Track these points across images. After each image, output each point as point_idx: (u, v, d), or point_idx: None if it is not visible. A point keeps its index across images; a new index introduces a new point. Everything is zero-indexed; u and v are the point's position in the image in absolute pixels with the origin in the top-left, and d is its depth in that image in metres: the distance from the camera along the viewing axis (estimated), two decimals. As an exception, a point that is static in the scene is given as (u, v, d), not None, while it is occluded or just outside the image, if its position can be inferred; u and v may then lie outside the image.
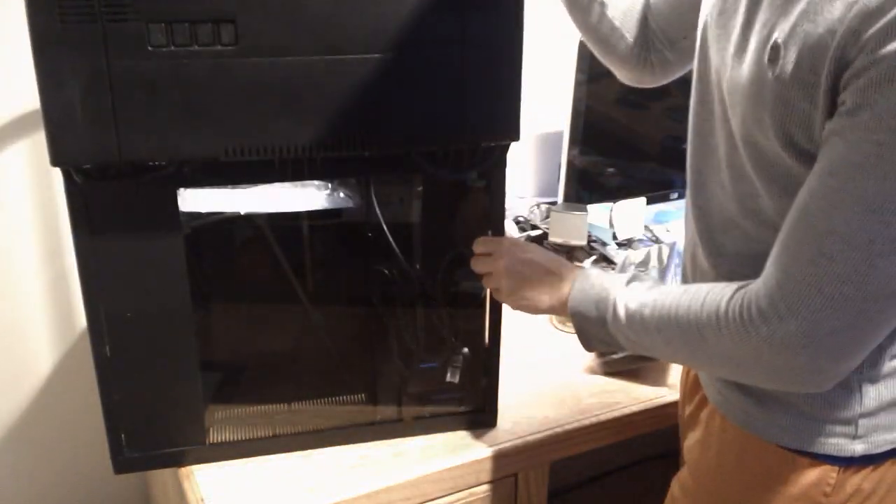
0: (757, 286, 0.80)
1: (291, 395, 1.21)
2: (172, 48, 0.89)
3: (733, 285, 0.84)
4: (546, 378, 1.35)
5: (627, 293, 0.93)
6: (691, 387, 1.06)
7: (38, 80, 0.88)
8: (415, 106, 0.97)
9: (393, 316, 1.17)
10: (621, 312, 0.92)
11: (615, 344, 0.96)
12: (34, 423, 1.67)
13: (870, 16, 0.68)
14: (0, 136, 1.46)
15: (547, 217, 1.73)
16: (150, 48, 0.88)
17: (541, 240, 1.73)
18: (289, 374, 1.23)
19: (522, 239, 1.03)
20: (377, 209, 1.10)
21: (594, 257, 1.75)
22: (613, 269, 1.67)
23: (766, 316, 0.78)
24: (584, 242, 1.69)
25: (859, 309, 0.74)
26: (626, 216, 1.81)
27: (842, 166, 0.72)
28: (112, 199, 0.98)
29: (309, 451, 1.16)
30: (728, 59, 0.86)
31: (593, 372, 1.37)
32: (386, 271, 1.14)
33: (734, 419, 0.94)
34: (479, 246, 1.08)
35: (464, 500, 1.19)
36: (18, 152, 1.49)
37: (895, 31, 0.67)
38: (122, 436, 1.10)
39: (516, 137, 1.03)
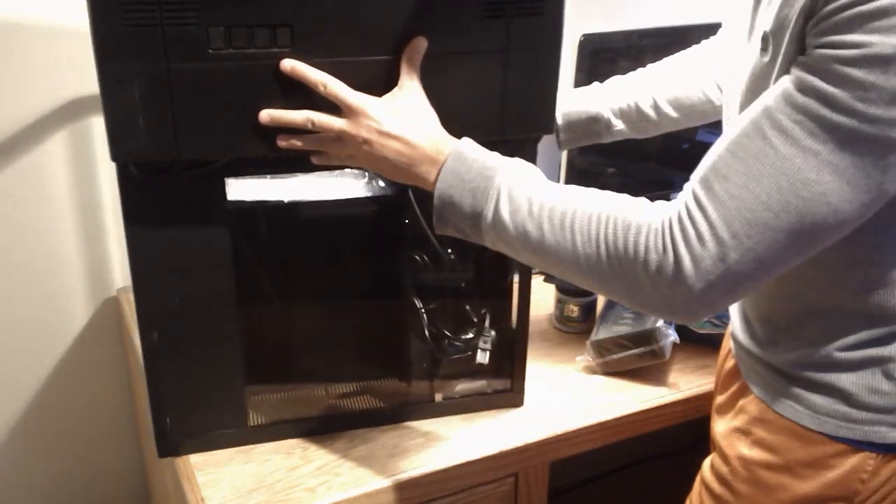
0: (676, 207, 0.80)
1: (327, 378, 1.26)
2: (231, 51, 0.92)
3: (643, 203, 0.84)
4: (546, 378, 1.36)
5: (514, 181, 0.88)
6: (727, 375, 1.09)
7: (100, 80, 0.92)
8: (460, 103, 1.01)
9: (425, 300, 1.21)
10: (504, 206, 0.86)
11: (476, 239, 0.91)
12: (35, 422, 1.68)
13: None
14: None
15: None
16: (209, 51, 0.91)
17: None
18: (325, 359, 1.27)
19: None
20: (412, 197, 1.13)
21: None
22: None
23: (688, 239, 0.78)
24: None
25: (773, 239, 0.76)
26: None
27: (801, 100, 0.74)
28: (164, 191, 1.01)
29: (309, 452, 1.18)
30: (738, 66, 0.90)
31: (593, 372, 1.39)
32: (418, 258, 1.18)
33: (777, 407, 0.96)
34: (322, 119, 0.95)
35: (464, 500, 1.21)
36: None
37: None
38: (168, 420, 1.14)
39: (550, 131, 1.07)
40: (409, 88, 0.96)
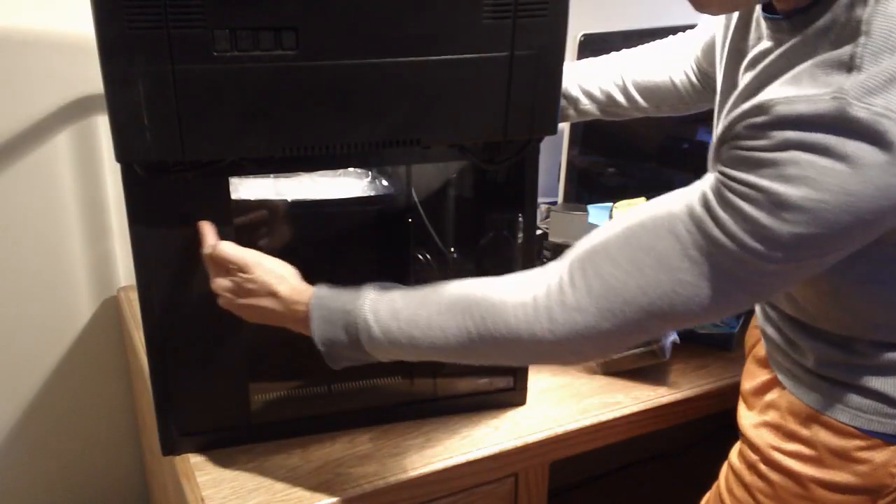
0: (554, 278, 0.87)
1: (329, 377, 1.26)
2: (235, 53, 0.92)
3: (504, 281, 0.92)
4: (546, 378, 1.36)
5: (373, 306, 0.94)
6: (756, 364, 1.10)
7: (105, 81, 0.92)
8: (464, 105, 1.01)
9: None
10: (376, 332, 0.93)
11: (373, 359, 0.97)
12: (36, 422, 1.68)
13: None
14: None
15: (547, 217, 1.73)
16: (214, 53, 0.91)
17: (541, 240, 1.75)
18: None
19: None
20: (415, 196, 1.14)
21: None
22: None
23: (566, 307, 0.85)
24: (584, 242, 1.71)
25: (640, 320, 0.83)
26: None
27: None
28: (168, 190, 1.02)
29: (309, 452, 1.19)
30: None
31: (593, 372, 1.38)
32: (421, 256, 1.19)
33: (809, 401, 0.98)
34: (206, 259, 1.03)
35: (464, 500, 1.21)
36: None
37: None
38: (171, 419, 1.15)
39: (554, 131, 1.08)
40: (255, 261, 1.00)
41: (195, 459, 1.17)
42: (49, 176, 1.51)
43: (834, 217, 0.73)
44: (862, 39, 0.73)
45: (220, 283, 1.01)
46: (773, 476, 1.01)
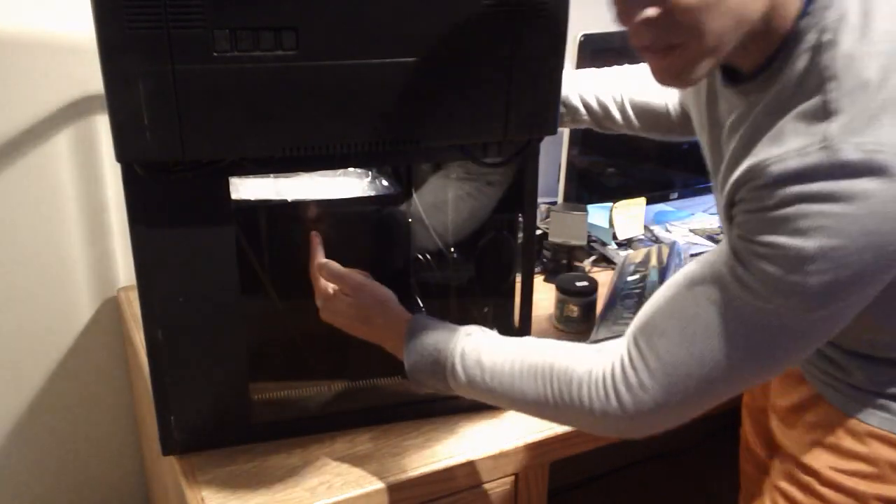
0: (618, 356, 0.89)
1: (329, 377, 1.26)
2: (236, 53, 0.92)
3: (585, 353, 0.93)
4: None
5: (462, 351, 0.98)
6: (788, 382, 1.09)
7: (105, 82, 0.92)
8: (464, 105, 1.01)
9: (428, 299, 1.21)
10: (461, 376, 0.98)
11: (456, 394, 1.02)
12: (36, 422, 1.68)
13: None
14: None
15: (547, 217, 1.74)
16: (214, 53, 0.91)
17: (541, 240, 1.76)
18: (327, 358, 1.28)
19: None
20: (415, 196, 1.14)
21: (594, 257, 1.79)
22: (613, 269, 1.69)
23: (630, 387, 0.87)
24: (584, 242, 1.72)
25: (705, 390, 0.85)
26: (626, 216, 1.84)
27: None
28: (169, 190, 1.02)
29: (309, 452, 1.19)
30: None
31: None
32: (421, 257, 1.19)
33: (864, 418, 0.97)
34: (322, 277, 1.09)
35: (464, 500, 1.21)
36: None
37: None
38: (172, 418, 1.15)
39: (553, 131, 1.08)
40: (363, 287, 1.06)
41: (195, 459, 1.16)
42: (49, 176, 1.51)
43: (857, 258, 0.73)
44: (832, 84, 0.74)
45: (328, 304, 1.07)
46: (833, 496, 0.99)
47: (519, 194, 1.15)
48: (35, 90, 1.45)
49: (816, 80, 0.75)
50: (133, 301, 1.55)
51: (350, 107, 0.97)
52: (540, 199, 1.95)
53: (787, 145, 0.74)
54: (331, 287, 1.06)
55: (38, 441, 1.70)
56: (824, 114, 0.72)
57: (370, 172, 1.21)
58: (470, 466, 1.19)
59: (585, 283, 1.52)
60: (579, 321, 1.52)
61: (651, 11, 0.77)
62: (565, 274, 1.60)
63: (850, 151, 0.70)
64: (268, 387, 1.22)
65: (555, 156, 1.73)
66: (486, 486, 1.22)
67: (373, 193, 1.18)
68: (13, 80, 1.43)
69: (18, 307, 1.58)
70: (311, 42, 0.93)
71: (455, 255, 1.18)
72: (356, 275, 1.07)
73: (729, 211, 0.83)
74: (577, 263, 1.75)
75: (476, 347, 0.98)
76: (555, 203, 1.79)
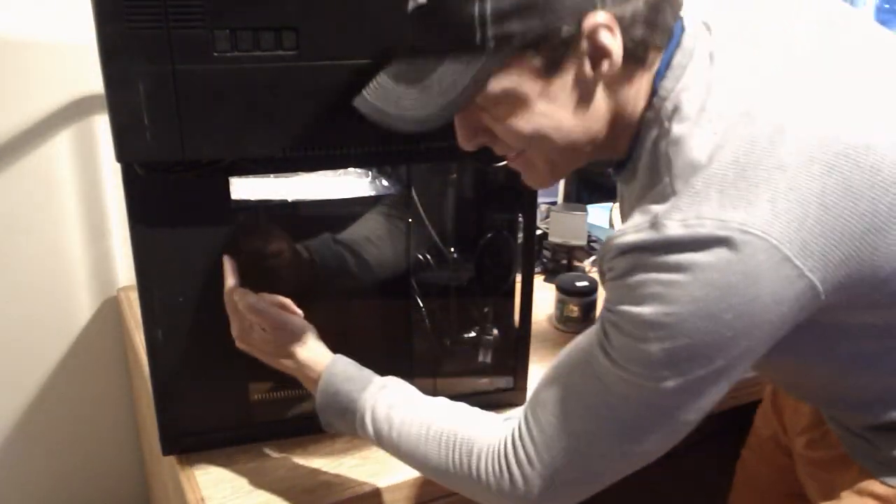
0: (511, 429, 0.89)
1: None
2: (236, 53, 0.92)
3: (491, 423, 0.93)
4: None
5: (373, 405, 0.99)
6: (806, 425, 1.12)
7: (105, 82, 0.92)
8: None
9: (428, 299, 1.21)
10: (369, 429, 0.99)
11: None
12: (36, 422, 1.69)
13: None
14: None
15: (547, 217, 1.75)
16: (214, 53, 0.92)
17: (541, 240, 1.76)
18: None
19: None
20: (415, 196, 1.14)
21: (594, 257, 1.79)
22: None
23: (520, 462, 0.87)
24: (583, 242, 1.73)
25: (592, 465, 0.85)
26: None
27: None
28: (168, 190, 1.02)
29: (309, 452, 1.19)
30: None
31: None
32: (421, 256, 1.19)
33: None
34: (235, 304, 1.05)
35: (464, 500, 1.20)
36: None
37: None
38: (172, 418, 1.15)
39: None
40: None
41: (195, 459, 1.17)
42: (49, 176, 1.52)
43: (692, 325, 0.74)
44: (668, 169, 0.77)
45: (244, 335, 1.05)
46: None
47: (519, 194, 1.15)
48: (35, 90, 1.46)
49: (658, 167, 0.79)
50: (133, 301, 1.55)
51: (350, 107, 0.97)
52: (540, 199, 1.96)
53: (630, 222, 0.78)
54: (247, 318, 1.03)
55: (38, 441, 1.70)
56: (663, 197, 0.76)
57: (370, 172, 1.21)
58: (470, 466, 1.18)
59: (585, 283, 1.52)
60: (579, 321, 1.52)
61: (483, 139, 0.86)
62: (565, 274, 1.60)
63: (675, 227, 0.73)
64: (268, 387, 1.22)
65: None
66: (486, 485, 1.22)
67: (373, 193, 1.18)
68: (13, 80, 1.43)
69: (19, 307, 1.58)
70: (311, 42, 0.94)
71: (455, 255, 1.18)
72: (274, 310, 1.03)
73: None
74: (577, 263, 1.75)
75: (388, 402, 0.98)
76: (555, 203, 1.80)
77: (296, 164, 1.06)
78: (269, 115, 0.96)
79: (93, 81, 1.46)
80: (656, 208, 0.75)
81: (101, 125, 1.52)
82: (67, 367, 1.67)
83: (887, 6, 2.13)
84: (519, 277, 1.21)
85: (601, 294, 1.54)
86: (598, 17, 0.75)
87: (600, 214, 1.84)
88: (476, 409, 0.98)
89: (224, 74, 0.93)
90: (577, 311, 1.51)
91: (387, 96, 0.84)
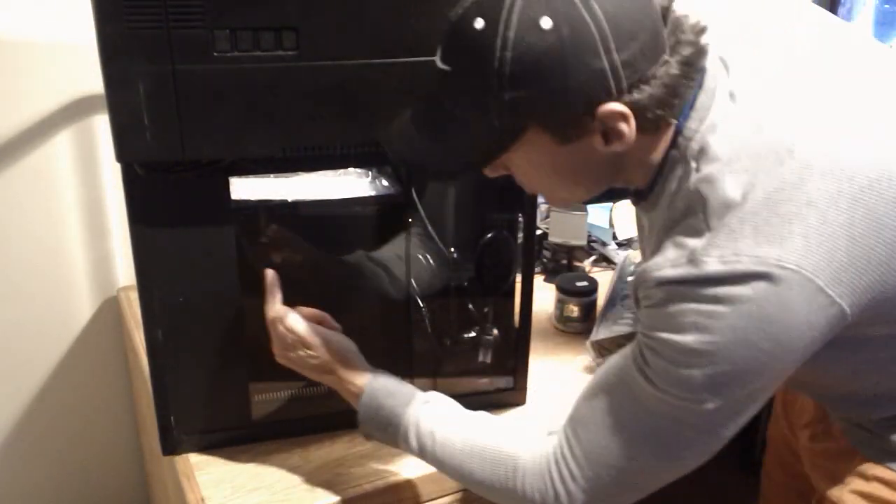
0: (553, 446, 0.92)
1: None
2: (236, 53, 0.92)
3: (533, 438, 0.96)
4: (546, 378, 1.36)
5: (416, 420, 1.00)
6: (811, 421, 1.13)
7: (106, 82, 0.92)
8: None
9: (428, 299, 1.21)
10: (413, 443, 1.00)
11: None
12: (36, 422, 1.68)
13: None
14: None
15: (547, 217, 1.75)
16: (214, 53, 0.92)
17: (541, 240, 1.76)
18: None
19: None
20: (415, 196, 1.14)
21: (594, 257, 1.79)
22: (613, 269, 1.69)
23: (563, 478, 0.90)
24: (584, 242, 1.73)
25: (632, 479, 0.89)
26: (626, 216, 1.84)
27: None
28: (169, 190, 1.02)
29: (309, 452, 1.19)
30: None
31: (593, 372, 1.39)
32: (421, 257, 1.19)
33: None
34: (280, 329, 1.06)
35: (464, 500, 1.20)
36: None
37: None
38: (172, 418, 1.15)
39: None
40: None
41: (195, 459, 1.17)
42: (49, 176, 1.52)
43: (732, 353, 0.78)
44: (702, 206, 0.80)
45: (286, 353, 1.06)
46: None
47: (519, 194, 1.15)
48: (35, 90, 1.45)
49: (690, 203, 0.82)
50: (133, 301, 1.55)
51: (350, 107, 0.97)
52: (540, 199, 1.96)
53: (666, 256, 0.81)
54: (289, 336, 1.05)
55: (38, 441, 1.70)
56: (697, 232, 0.80)
57: (370, 172, 1.21)
58: (470, 466, 1.18)
59: (585, 283, 1.52)
60: (579, 321, 1.52)
61: (505, 172, 0.91)
62: (565, 274, 1.60)
63: (714, 264, 0.77)
64: (268, 387, 1.22)
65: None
66: (486, 485, 1.22)
67: (373, 193, 1.18)
68: (13, 80, 1.43)
69: (18, 307, 1.58)
70: (311, 42, 0.94)
71: (455, 255, 1.18)
72: (319, 330, 1.06)
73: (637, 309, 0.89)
74: (577, 263, 1.75)
75: (432, 418, 1.00)
76: (555, 203, 1.79)
77: (296, 164, 1.06)
78: (268, 115, 0.96)
79: (93, 81, 1.45)
80: (693, 243, 0.79)
81: (101, 125, 1.51)
82: (67, 366, 1.67)
83: (887, 6, 2.13)
84: (519, 277, 1.21)
85: (601, 294, 1.54)
86: (613, 106, 0.78)
87: (600, 214, 1.84)
88: (519, 424, 1.01)
89: (224, 74, 0.93)
90: (577, 311, 1.51)
91: (410, 143, 0.88)
